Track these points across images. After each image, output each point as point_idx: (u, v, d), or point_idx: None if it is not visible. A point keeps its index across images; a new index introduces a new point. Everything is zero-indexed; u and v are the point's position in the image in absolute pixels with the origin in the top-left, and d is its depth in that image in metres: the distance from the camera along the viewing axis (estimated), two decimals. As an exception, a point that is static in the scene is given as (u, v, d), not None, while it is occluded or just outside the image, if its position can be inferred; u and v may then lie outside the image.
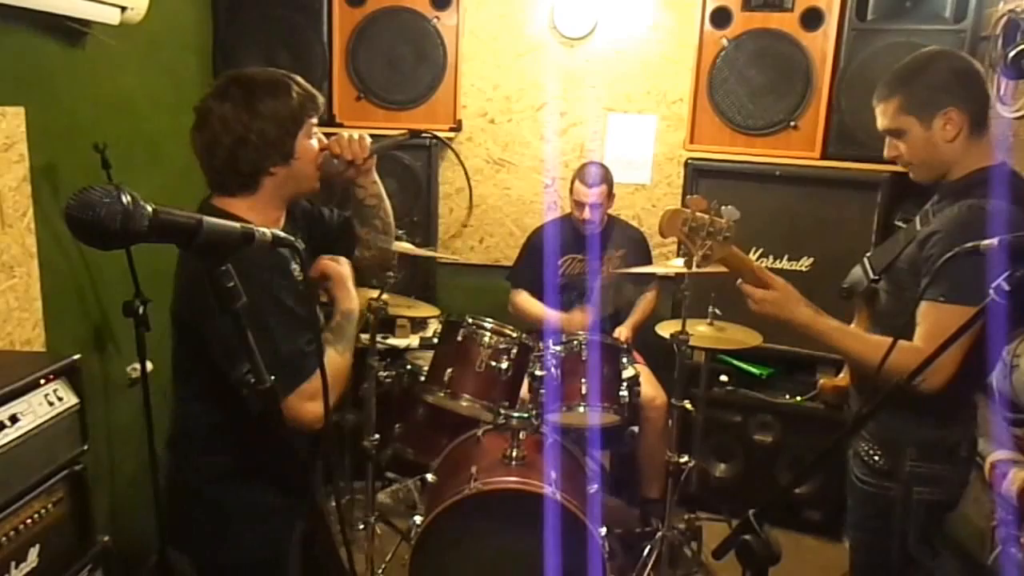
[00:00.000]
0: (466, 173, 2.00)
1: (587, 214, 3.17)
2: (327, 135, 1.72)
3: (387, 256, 1.95)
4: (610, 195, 3.24)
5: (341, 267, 1.76)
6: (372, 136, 1.77)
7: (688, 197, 1.85)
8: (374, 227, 1.89)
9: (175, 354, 1.77)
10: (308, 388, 1.53)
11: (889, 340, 1.44)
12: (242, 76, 1.60)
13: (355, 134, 1.74)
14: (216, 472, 1.69)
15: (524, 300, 3.34)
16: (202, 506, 1.72)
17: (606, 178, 3.19)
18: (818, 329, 1.72)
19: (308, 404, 1.53)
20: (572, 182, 3.24)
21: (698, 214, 1.77)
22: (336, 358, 1.65)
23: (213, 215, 1.53)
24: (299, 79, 1.63)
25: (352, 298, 1.74)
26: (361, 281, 1.92)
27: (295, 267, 1.63)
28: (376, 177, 1.85)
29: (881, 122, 1.74)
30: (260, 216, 1.59)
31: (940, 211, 1.70)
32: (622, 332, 3.23)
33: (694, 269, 1.94)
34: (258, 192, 1.62)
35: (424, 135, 1.93)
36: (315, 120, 1.65)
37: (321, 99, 1.66)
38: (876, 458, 1.78)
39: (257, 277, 1.45)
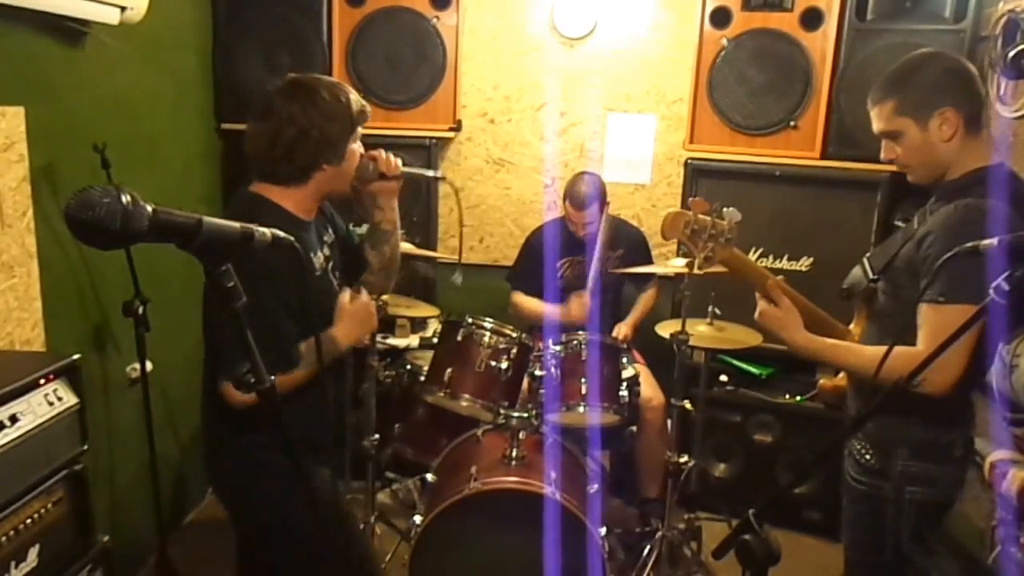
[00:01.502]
0: (458, 200, 2.20)
1: (582, 232, 3.16)
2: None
3: (385, 286, 2.13)
4: (603, 206, 3.17)
5: (356, 304, 1.85)
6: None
7: (690, 200, 1.85)
8: (382, 253, 2.04)
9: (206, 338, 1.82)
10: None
11: (885, 350, 1.44)
12: (309, 79, 1.77)
13: (391, 155, 1.93)
14: (254, 444, 1.75)
15: (523, 300, 3.34)
16: (230, 459, 1.84)
17: (597, 196, 3.12)
18: (813, 350, 1.79)
19: (236, 393, 1.62)
20: (565, 194, 3.20)
21: (700, 217, 1.77)
22: (290, 379, 1.69)
23: (254, 202, 1.71)
24: (355, 93, 1.80)
25: (348, 337, 1.82)
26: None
27: (316, 258, 1.77)
28: (395, 205, 2.01)
29: (877, 125, 1.75)
30: (299, 207, 1.77)
31: (937, 211, 1.70)
32: (622, 329, 3.22)
33: (696, 271, 1.96)
34: (305, 185, 1.76)
35: (446, 180, 2.23)
36: (362, 129, 1.82)
37: (368, 109, 1.83)
38: (868, 457, 1.79)
39: (266, 265, 1.54)
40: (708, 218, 1.79)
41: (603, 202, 3.17)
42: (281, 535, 1.83)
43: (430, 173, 2.28)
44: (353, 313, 1.84)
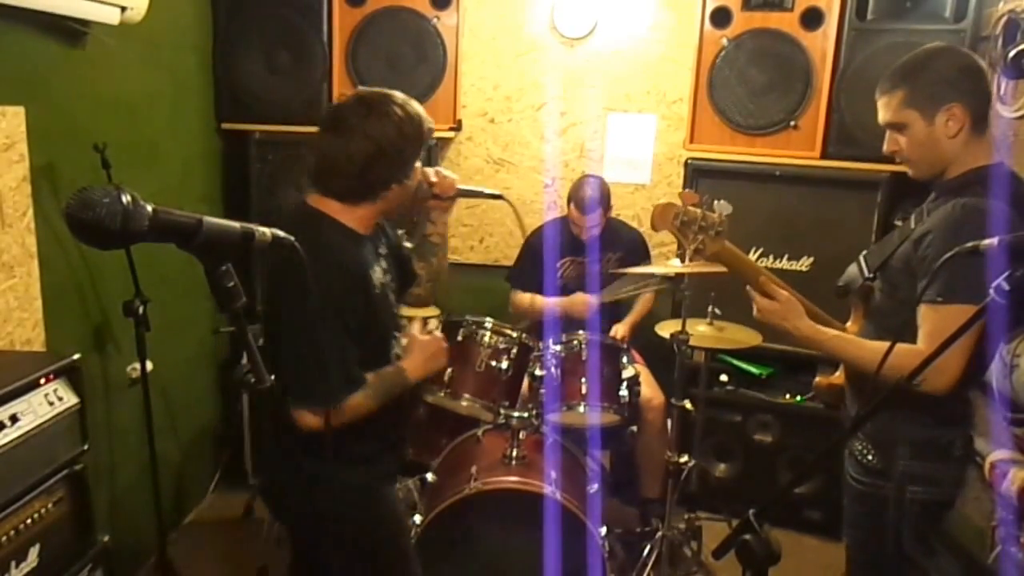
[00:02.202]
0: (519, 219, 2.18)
1: (584, 234, 3.17)
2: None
3: (430, 298, 2.09)
4: (607, 210, 3.19)
5: (428, 339, 1.85)
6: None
7: (680, 192, 1.85)
8: (429, 264, 1.99)
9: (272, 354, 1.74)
10: (314, 411, 1.62)
11: (887, 345, 1.44)
12: (380, 94, 1.70)
13: (449, 173, 1.90)
14: (312, 453, 1.71)
15: (523, 297, 3.34)
16: (303, 482, 1.75)
17: (602, 201, 3.13)
18: (818, 340, 1.76)
19: (308, 417, 1.63)
20: (569, 197, 3.21)
21: (690, 208, 1.78)
22: (360, 401, 1.67)
23: (315, 217, 1.68)
24: (420, 107, 1.74)
25: (418, 369, 1.81)
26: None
27: (375, 274, 1.73)
28: (448, 220, 1.99)
29: (883, 115, 1.73)
30: (360, 223, 1.72)
31: (935, 209, 1.70)
32: (619, 330, 3.22)
33: (687, 263, 1.96)
34: (372, 203, 1.71)
35: (504, 199, 2.13)
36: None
37: (434, 127, 1.79)
38: (869, 457, 1.78)
39: (328, 287, 1.57)
40: (698, 210, 1.79)
41: (607, 206, 3.19)
42: (359, 556, 1.82)
43: (487, 192, 2.15)
44: (424, 347, 1.83)
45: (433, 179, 1.86)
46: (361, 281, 1.68)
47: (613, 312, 3.33)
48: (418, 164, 1.78)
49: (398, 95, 1.71)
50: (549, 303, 3.22)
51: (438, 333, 1.90)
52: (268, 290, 1.71)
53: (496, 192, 2.14)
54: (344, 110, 1.68)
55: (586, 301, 3.14)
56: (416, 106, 1.72)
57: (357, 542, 1.82)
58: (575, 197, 3.17)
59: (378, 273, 1.75)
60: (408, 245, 1.99)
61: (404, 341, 1.86)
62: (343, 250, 1.67)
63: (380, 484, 1.86)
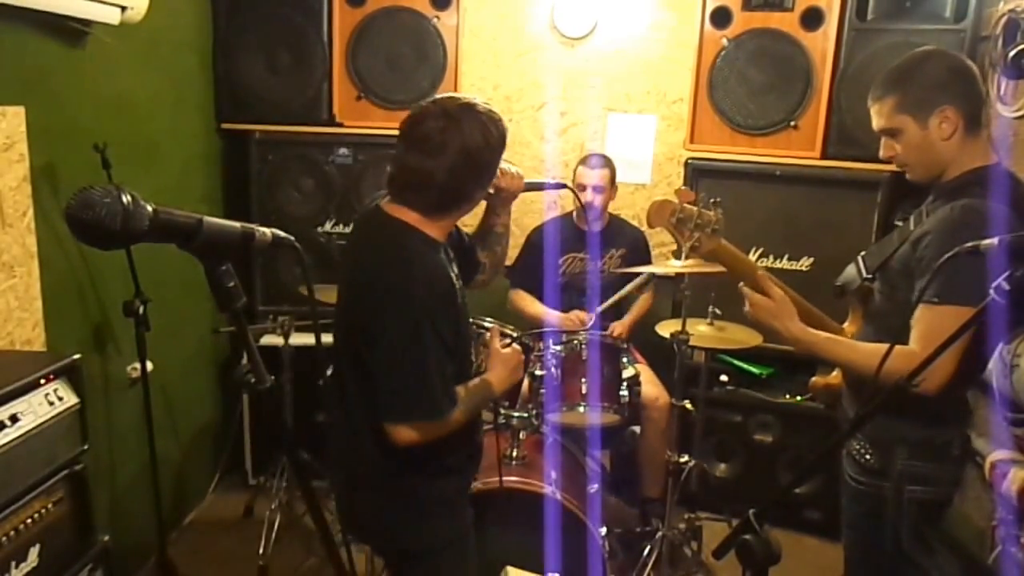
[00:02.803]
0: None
1: (589, 196, 3.16)
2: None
3: (490, 281, 2.08)
4: (612, 184, 3.24)
5: (509, 352, 1.85)
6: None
7: (676, 189, 1.85)
8: (494, 254, 1.99)
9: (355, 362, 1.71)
10: (415, 425, 1.62)
11: (882, 346, 1.44)
12: (464, 104, 1.62)
13: (515, 170, 1.85)
14: (409, 467, 1.72)
15: (523, 299, 3.34)
16: (395, 497, 1.75)
17: (608, 164, 3.21)
18: (809, 342, 1.74)
19: (406, 432, 1.61)
20: (575, 171, 3.25)
21: (686, 206, 1.78)
22: (456, 416, 1.66)
23: (406, 231, 1.63)
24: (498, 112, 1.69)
25: (503, 382, 1.81)
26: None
27: (458, 283, 1.70)
28: (511, 209, 1.98)
29: (877, 122, 1.74)
30: (437, 231, 1.68)
31: (934, 211, 1.70)
32: (617, 327, 3.21)
33: (683, 260, 1.96)
34: (453, 214, 1.69)
35: (570, 187, 2.16)
36: None
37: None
38: (867, 457, 1.78)
39: (423, 299, 1.57)
40: (694, 208, 1.79)
41: (613, 178, 3.22)
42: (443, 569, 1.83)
43: (551, 183, 2.13)
44: (507, 360, 1.83)
45: (502, 183, 1.83)
46: (451, 293, 1.65)
47: (613, 311, 3.33)
48: None
49: (480, 104, 1.64)
50: (547, 314, 3.23)
51: (516, 346, 1.89)
52: (351, 301, 1.69)
53: (560, 182, 2.14)
54: (428, 123, 1.58)
55: (583, 321, 3.15)
56: (495, 111, 1.66)
57: (442, 554, 1.80)
58: (582, 160, 3.23)
59: (457, 281, 1.72)
60: (469, 237, 1.99)
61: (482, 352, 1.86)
62: (433, 263, 1.64)
63: (463, 496, 1.87)
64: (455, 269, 1.75)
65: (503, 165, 1.79)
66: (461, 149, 1.57)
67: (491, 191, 1.80)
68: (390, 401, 1.61)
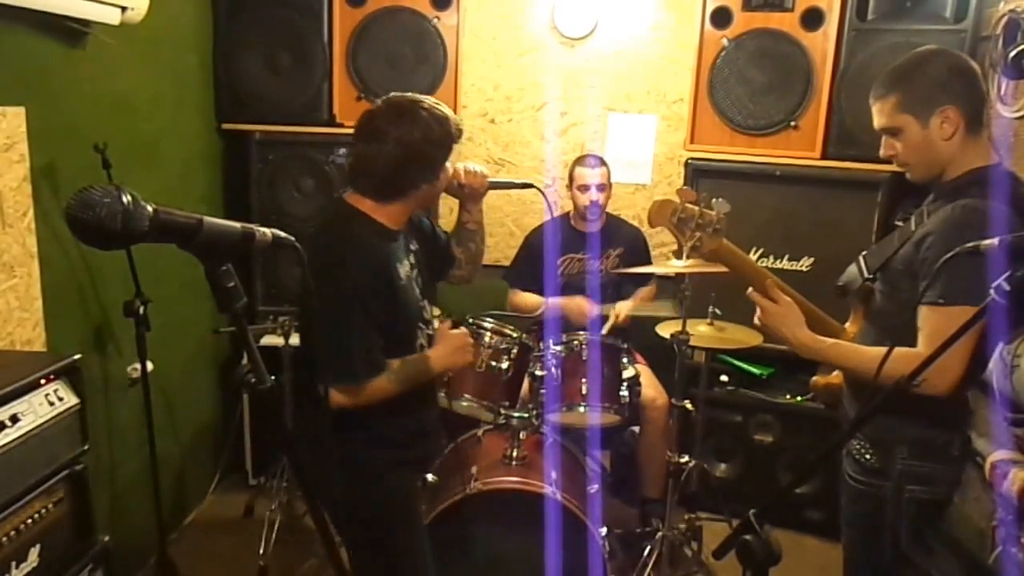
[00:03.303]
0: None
1: (593, 195, 3.16)
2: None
3: (472, 276, 2.21)
4: (610, 183, 3.25)
5: (456, 332, 1.95)
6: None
7: (678, 188, 1.86)
8: (468, 249, 2.13)
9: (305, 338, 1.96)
10: (340, 389, 1.76)
11: (886, 350, 1.44)
12: (415, 102, 1.79)
13: (477, 168, 2.02)
14: (344, 432, 1.83)
15: (521, 297, 3.34)
16: (336, 460, 1.83)
17: (605, 163, 3.23)
18: (816, 349, 1.76)
19: (334, 395, 1.75)
20: (571, 172, 3.24)
21: (687, 205, 1.78)
22: (383, 385, 1.79)
23: (349, 212, 1.79)
24: (449, 110, 1.84)
25: (442, 359, 1.90)
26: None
27: (403, 267, 1.84)
28: (481, 207, 2.11)
29: (878, 120, 1.74)
30: (390, 218, 1.83)
31: (935, 211, 1.70)
32: (621, 311, 3.17)
33: (684, 260, 1.97)
34: (402, 201, 1.83)
35: (535, 187, 2.20)
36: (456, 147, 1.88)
37: (463, 128, 1.88)
38: (868, 456, 1.78)
39: (355, 279, 1.72)
40: (696, 207, 1.79)
41: (609, 181, 3.24)
42: (370, 539, 1.91)
43: (517, 183, 2.23)
44: (451, 339, 1.93)
45: (463, 180, 1.99)
46: (386, 273, 1.79)
47: (615, 297, 3.32)
48: (448, 165, 1.88)
49: (427, 100, 1.80)
50: (549, 302, 3.23)
51: (464, 331, 1.98)
52: (304, 280, 1.82)
53: (526, 181, 2.21)
54: (376, 116, 1.78)
55: (584, 310, 3.14)
56: (445, 109, 1.81)
57: (370, 524, 1.88)
58: (578, 161, 3.24)
59: (405, 267, 1.86)
60: (441, 231, 2.14)
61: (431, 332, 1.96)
62: (371, 244, 1.78)
63: (404, 471, 1.95)
64: (412, 259, 1.91)
65: (468, 164, 2.00)
66: (399, 140, 1.73)
67: (457, 186, 1.98)
68: (320, 366, 1.78)
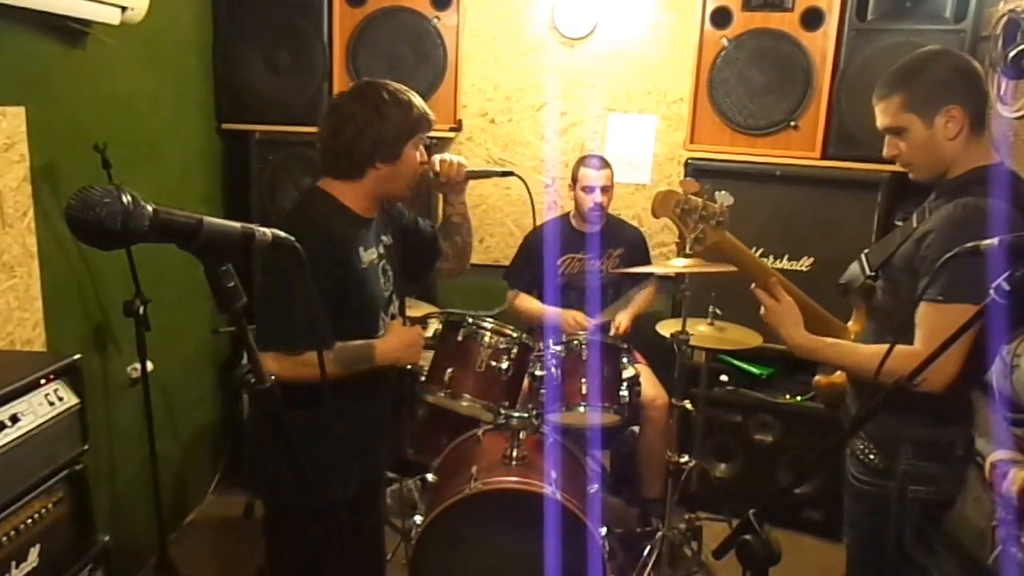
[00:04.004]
0: (534, 213, 2.19)
1: (597, 196, 3.17)
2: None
3: (462, 269, 2.21)
4: (612, 184, 3.25)
5: (408, 328, 1.96)
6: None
7: (680, 180, 1.87)
8: (455, 243, 2.13)
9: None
10: (275, 356, 1.72)
11: (885, 348, 1.44)
12: (376, 83, 1.86)
13: (455, 159, 2.00)
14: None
15: (521, 299, 3.34)
16: (262, 444, 1.89)
17: (608, 164, 3.23)
18: (812, 349, 1.78)
19: (271, 362, 1.70)
20: (575, 172, 3.24)
21: (691, 197, 1.78)
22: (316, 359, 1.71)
23: (315, 194, 1.84)
24: (419, 99, 1.88)
25: (388, 352, 1.88)
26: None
27: (367, 254, 1.85)
28: (464, 199, 2.11)
29: (881, 120, 1.74)
30: (357, 202, 1.87)
31: (936, 209, 1.70)
32: (621, 321, 3.21)
33: (687, 252, 1.98)
34: (361, 181, 1.85)
35: (516, 174, 2.14)
36: (424, 136, 1.90)
37: (432, 118, 1.90)
38: (872, 456, 1.78)
39: (310, 251, 1.66)
40: (699, 199, 1.80)
41: (611, 183, 3.24)
42: (295, 524, 1.90)
43: (498, 171, 2.21)
44: (401, 334, 1.93)
45: (438, 168, 1.98)
46: (341, 251, 1.79)
47: (616, 297, 3.33)
48: (415, 151, 1.87)
49: (393, 85, 1.85)
50: (548, 310, 3.23)
51: (419, 329, 1.98)
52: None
53: (506, 170, 2.19)
54: (340, 99, 1.86)
55: (582, 324, 3.14)
56: (410, 96, 1.84)
57: (297, 518, 1.88)
58: (581, 162, 3.24)
59: (371, 255, 1.88)
60: (425, 224, 2.14)
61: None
62: (328, 221, 1.80)
63: (328, 469, 1.80)
64: (382, 250, 1.93)
65: (445, 155, 1.99)
66: (352, 114, 1.79)
67: (434, 177, 1.97)
68: (258, 330, 1.74)
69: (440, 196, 2.17)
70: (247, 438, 2.03)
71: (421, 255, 2.11)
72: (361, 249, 1.84)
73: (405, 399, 2.24)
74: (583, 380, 2.68)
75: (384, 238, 1.96)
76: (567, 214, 3.38)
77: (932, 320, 1.58)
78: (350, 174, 1.84)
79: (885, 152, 1.77)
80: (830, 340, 1.78)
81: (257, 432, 1.95)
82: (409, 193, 1.94)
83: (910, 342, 1.62)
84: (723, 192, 1.81)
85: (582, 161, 3.25)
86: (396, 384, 2.11)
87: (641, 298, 3.35)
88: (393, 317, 2.00)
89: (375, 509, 2.22)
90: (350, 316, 1.82)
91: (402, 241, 2.04)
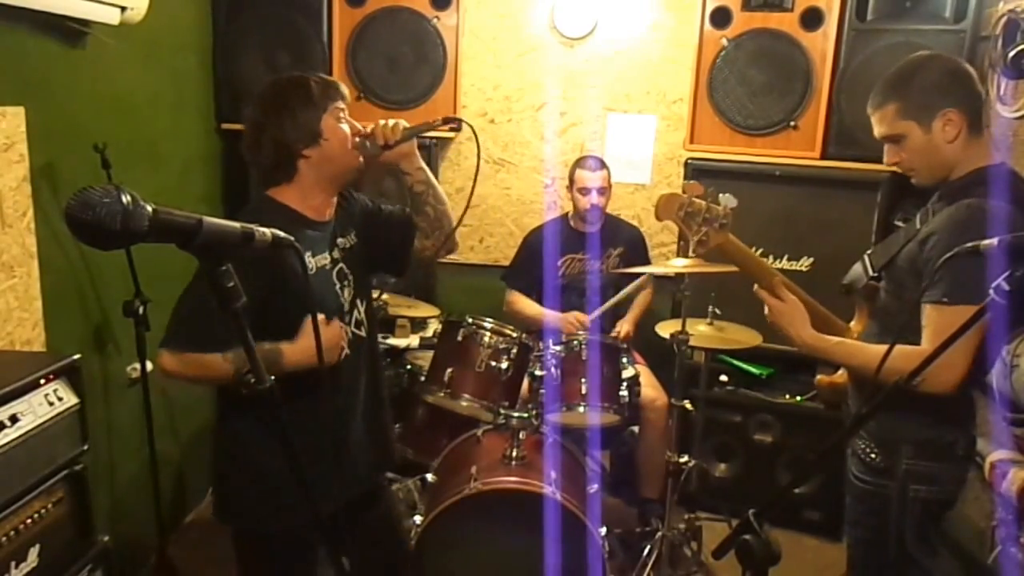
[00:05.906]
0: (479, 165, 1.96)
1: (594, 198, 3.17)
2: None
3: (447, 244, 2.03)
4: (610, 185, 3.25)
5: (324, 329, 1.69)
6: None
7: (684, 182, 1.87)
8: (426, 214, 1.99)
9: None
10: (176, 354, 1.68)
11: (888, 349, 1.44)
12: (269, 80, 1.83)
13: (390, 121, 1.88)
14: (222, 425, 1.86)
15: (519, 301, 3.34)
16: (248, 477, 1.84)
17: (606, 165, 3.23)
18: (821, 348, 1.77)
19: (167, 357, 1.68)
20: (572, 174, 3.25)
21: (695, 200, 1.78)
22: (216, 361, 1.63)
23: (261, 202, 1.77)
24: (319, 74, 1.84)
25: (296, 354, 1.68)
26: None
27: (317, 258, 1.78)
28: (422, 164, 1.97)
29: (879, 130, 1.74)
30: (305, 202, 1.79)
31: (939, 210, 1.70)
32: (623, 327, 3.22)
33: (690, 254, 1.98)
34: (299, 176, 1.78)
35: (458, 120, 2.06)
36: (340, 105, 1.81)
37: (341, 86, 1.83)
38: (873, 456, 1.79)
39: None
40: (703, 202, 1.80)
41: (609, 183, 3.24)
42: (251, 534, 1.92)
43: (437, 121, 1.99)
44: (315, 334, 1.72)
45: (368, 130, 1.86)
46: (277, 265, 1.66)
47: (614, 311, 3.33)
48: (342, 125, 1.79)
49: (287, 74, 1.84)
50: (544, 313, 3.23)
51: (337, 326, 1.79)
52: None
53: (449, 116, 2.04)
54: (244, 115, 1.82)
55: (582, 323, 3.14)
56: (306, 75, 1.81)
57: (258, 543, 1.93)
58: (578, 163, 3.24)
59: (323, 260, 1.79)
60: (391, 207, 2.03)
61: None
62: (270, 224, 1.66)
63: (275, 484, 1.74)
64: (337, 254, 1.83)
65: (375, 125, 1.86)
66: (256, 123, 1.76)
67: (373, 147, 1.84)
68: (168, 327, 1.72)
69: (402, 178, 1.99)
70: (213, 453, 1.94)
71: (393, 239, 1.98)
72: (308, 254, 1.74)
73: (384, 405, 2.06)
74: (583, 380, 2.68)
75: (342, 240, 1.86)
76: (566, 214, 3.38)
77: (939, 322, 1.59)
78: (288, 175, 1.78)
79: (886, 160, 1.77)
80: (837, 340, 1.78)
81: (224, 446, 1.89)
82: (356, 170, 1.82)
83: (912, 342, 1.62)
84: (727, 195, 1.82)
85: (578, 163, 3.25)
86: (372, 390, 1.95)
87: (640, 302, 3.35)
88: (359, 324, 1.87)
89: (378, 524, 2.10)
90: (288, 323, 1.68)
91: (368, 234, 1.94)
